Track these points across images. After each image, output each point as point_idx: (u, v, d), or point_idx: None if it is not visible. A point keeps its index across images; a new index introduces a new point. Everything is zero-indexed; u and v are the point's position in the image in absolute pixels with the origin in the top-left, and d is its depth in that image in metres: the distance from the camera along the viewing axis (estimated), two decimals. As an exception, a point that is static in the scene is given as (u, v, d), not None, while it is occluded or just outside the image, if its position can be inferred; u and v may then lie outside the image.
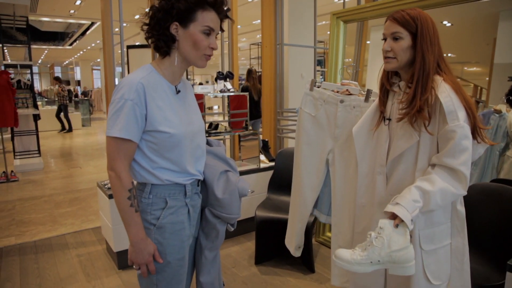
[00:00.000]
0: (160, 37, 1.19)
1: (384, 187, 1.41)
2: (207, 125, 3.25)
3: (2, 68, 5.67)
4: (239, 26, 11.98)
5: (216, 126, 3.11)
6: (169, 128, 1.19)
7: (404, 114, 1.29)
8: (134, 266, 1.24)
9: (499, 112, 3.01)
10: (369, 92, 1.55)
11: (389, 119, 1.40)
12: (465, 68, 3.80)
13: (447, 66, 1.34)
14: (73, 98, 13.35)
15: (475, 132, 1.27)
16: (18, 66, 5.82)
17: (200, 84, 2.95)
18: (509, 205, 1.83)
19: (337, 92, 1.65)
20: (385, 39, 1.34)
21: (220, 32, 1.29)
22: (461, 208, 1.38)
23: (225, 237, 3.09)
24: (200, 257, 1.43)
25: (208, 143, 1.51)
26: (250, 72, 5.25)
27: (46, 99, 16.16)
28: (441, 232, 1.34)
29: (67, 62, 22.06)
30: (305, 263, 2.58)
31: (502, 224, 1.82)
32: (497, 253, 1.81)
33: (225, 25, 3.66)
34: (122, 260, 2.60)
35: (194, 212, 1.34)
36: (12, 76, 5.91)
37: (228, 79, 3.14)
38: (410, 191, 1.22)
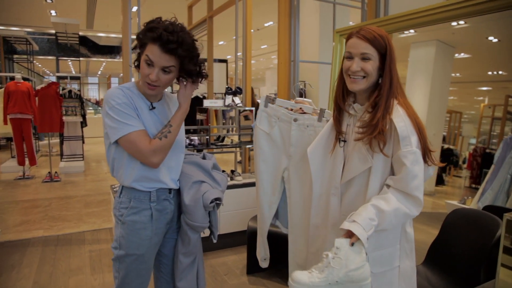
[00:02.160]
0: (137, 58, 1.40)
1: (338, 208, 1.40)
2: (213, 137, 3.42)
3: (55, 79, 6.32)
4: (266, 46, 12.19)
5: (223, 139, 3.27)
6: None
7: (364, 134, 1.27)
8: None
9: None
10: (322, 112, 1.56)
11: (344, 141, 1.39)
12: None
13: (401, 88, 1.33)
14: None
15: (426, 155, 1.27)
16: (68, 77, 6.46)
17: (204, 97, 3.12)
18: (485, 232, 1.78)
19: (291, 110, 1.67)
20: (350, 57, 1.29)
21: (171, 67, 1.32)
22: (410, 230, 1.37)
23: (226, 246, 3.22)
24: (176, 261, 1.55)
25: (204, 157, 1.65)
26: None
27: (101, 108, 17.40)
28: (390, 255, 1.33)
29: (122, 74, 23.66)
30: (294, 275, 2.62)
31: (476, 250, 1.77)
32: (468, 278, 1.76)
33: (240, 42, 3.85)
34: (124, 258, 2.82)
35: (161, 216, 1.46)
36: (67, 86, 6.57)
37: (237, 94, 3.30)
38: (366, 209, 1.20)
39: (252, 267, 2.78)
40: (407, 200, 1.21)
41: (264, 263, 1.98)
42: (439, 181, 7.96)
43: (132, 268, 1.43)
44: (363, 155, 1.29)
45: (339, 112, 1.41)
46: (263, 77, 20.80)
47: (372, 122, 1.25)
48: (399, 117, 1.24)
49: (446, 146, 10.46)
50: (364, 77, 1.27)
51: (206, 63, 1.43)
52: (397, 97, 1.29)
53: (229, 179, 3.21)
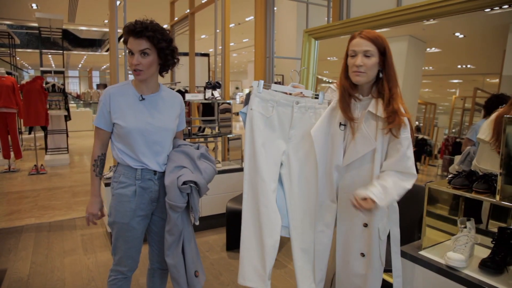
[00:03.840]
0: None
1: (338, 182, 1.55)
2: (195, 129, 3.69)
3: (33, 73, 6.40)
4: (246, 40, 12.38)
5: (203, 130, 3.54)
6: (122, 122, 1.65)
7: (392, 124, 1.42)
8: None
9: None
10: (321, 95, 1.66)
11: (344, 125, 1.53)
12: (487, 79, 3.86)
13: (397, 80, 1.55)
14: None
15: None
16: (52, 71, 6.56)
17: (186, 91, 3.28)
18: (420, 201, 2.12)
19: (290, 94, 1.69)
20: (354, 55, 1.45)
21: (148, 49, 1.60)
22: (396, 204, 1.59)
23: (208, 227, 3.51)
24: (163, 238, 1.75)
25: (197, 147, 1.85)
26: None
27: (82, 101, 17.25)
28: (387, 224, 1.55)
29: (104, 67, 23.46)
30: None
31: (414, 217, 2.12)
32: (409, 241, 2.10)
33: (219, 38, 4.08)
34: (114, 240, 3.08)
35: (145, 193, 1.70)
36: (49, 80, 6.66)
37: (216, 89, 3.57)
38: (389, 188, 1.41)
39: (231, 244, 3.09)
40: (404, 177, 1.44)
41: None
42: (412, 169, 8.39)
43: (120, 234, 1.71)
44: (367, 138, 1.46)
45: (347, 101, 1.53)
46: (246, 70, 20.99)
47: (393, 110, 1.42)
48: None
49: (420, 136, 10.92)
50: (365, 72, 1.44)
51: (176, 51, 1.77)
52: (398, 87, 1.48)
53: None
